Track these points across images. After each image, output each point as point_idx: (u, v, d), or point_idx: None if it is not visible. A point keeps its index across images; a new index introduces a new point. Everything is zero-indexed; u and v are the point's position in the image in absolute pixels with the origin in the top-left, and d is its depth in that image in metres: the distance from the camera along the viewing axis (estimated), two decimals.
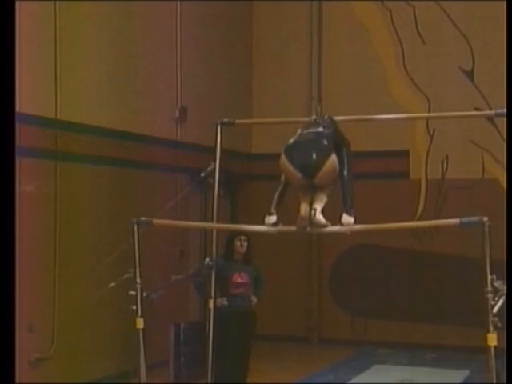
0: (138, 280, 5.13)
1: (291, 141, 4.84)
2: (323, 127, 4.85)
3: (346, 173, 4.71)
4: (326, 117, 5.11)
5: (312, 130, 4.84)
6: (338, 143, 4.80)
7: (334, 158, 4.64)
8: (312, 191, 4.72)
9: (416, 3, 10.72)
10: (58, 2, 7.47)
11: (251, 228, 5.52)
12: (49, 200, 7.37)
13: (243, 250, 7.23)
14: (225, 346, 6.91)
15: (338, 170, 4.68)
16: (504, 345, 4.26)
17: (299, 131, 4.93)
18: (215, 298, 6.21)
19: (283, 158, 4.79)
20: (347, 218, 4.73)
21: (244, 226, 5.60)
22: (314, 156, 4.61)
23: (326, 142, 4.69)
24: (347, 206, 4.73)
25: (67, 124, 7.62)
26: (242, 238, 7.19)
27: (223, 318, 6.80)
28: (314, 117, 5.16)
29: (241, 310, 7.14)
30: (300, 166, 4.66)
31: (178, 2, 9.49)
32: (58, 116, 7.49)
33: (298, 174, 4.67)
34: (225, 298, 7.04)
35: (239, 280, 7.18)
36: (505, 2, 10.21)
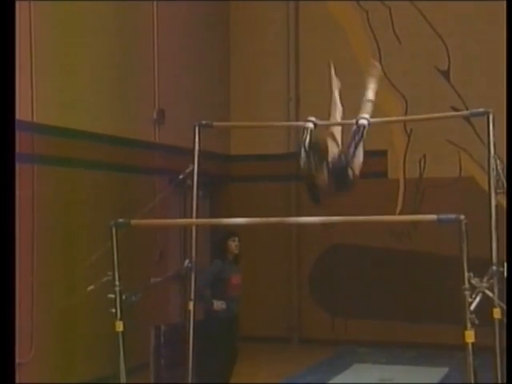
0: (117, 283, 5.12)
1: None
2: None
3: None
4: None
5: None
6: None
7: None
8: None
9: (392, 4, 10.78)
10: (32, 7, 7.42)
11: (231, 221, 5.58)
12: (26, 203, 7.33)
13: (237, 250, 7.24)
14: (218, 349, 6.95)
15: None
16: (481, 342, 4.30)
17: None
18: (195, 300, 6.20)
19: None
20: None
21: (223, 220, 5.63)
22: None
23: None
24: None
25: (43, 127, 7.58)
26: (236, 238, 7.21)
27: (219, 321, 6.87)
28: None
29: (234, 312, 7.16)
30: None
31: (155, 3, 9.47)
32: (35, 119, 7.46)
33: None
34: (223, 302, 7.02)
35: (236, 282, 7.19)
36: (478, 2, 10.32)
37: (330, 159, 4.84)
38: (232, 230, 7.28)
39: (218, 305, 6.93)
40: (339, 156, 4.92)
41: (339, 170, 4.87)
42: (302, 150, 4.71)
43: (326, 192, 4.90)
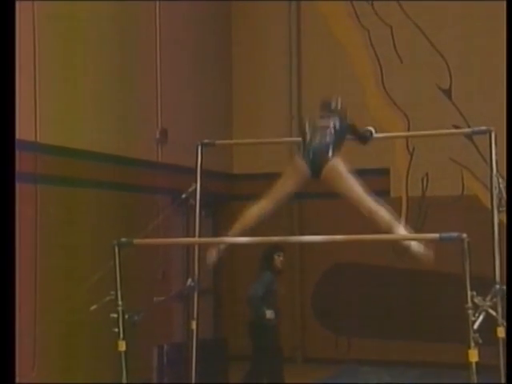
0: (120, 302, 5.11)
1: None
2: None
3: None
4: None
5: (320, 139, 5.41)
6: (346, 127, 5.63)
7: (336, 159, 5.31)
8: None
9: (393, 22, 10.83)
10: (36, 19, 7.46)
11: (233, 240, 5.62)
12: (29, 223, 7.34)
13: (281, 265, 7.66)
14: (272, 352, 7.41)
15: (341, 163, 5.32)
16: (485, 361, 4.28)
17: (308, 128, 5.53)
18: (198, 320, 6.19)
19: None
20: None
21: (225, 238, 5.68)
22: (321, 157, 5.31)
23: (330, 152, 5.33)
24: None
25: (47, 147, 7.60)
26: (281, 253, 7.61)
27: (268, 331, 7.34)
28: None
29: (277, 322, 7.54)
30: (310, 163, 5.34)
31: (158, 20, 9.52)
32: (38, 139, 7.48)
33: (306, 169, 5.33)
34: (273, 311, 7.36)
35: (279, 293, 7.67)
36: (479, 21, 10.37)
37: None
38: (278, 245, 7.59)
39: (269, 314, 7.33)
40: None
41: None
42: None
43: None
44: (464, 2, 10.43)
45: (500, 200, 5.38)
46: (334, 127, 5.44)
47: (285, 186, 5.50)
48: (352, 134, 5.71)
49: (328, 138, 5.36)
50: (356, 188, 5.36)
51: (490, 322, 4.75)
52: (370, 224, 5.22)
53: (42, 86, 7.53)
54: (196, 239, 6.32)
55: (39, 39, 7.49)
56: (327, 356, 10.64)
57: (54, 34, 7.81)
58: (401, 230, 5.29)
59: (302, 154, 5.37)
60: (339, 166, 5.31)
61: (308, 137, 5.42)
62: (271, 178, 12.63)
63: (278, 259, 7.59)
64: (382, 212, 5.40)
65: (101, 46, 8.57)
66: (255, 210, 5.56)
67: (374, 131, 5.77)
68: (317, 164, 5.26)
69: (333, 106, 5.70)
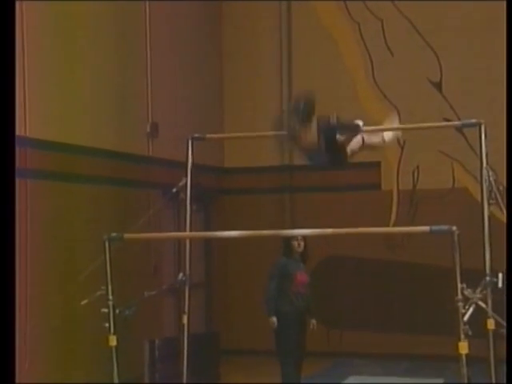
0: (110, 297, 5.11)
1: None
2: None
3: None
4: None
5: None
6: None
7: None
8: None
9: (384, 16, 10.83)
10: (25, 18, 7.44)
11: (224, 234, 5.60)
12: (19, 218, 7.31)
13: (300, 249, 7.66)
14: (288, 346, 7.39)
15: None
16: (475, 352, 4.30)
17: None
18: (189, 314, 6.19)
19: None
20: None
21: (217, 233, 5.68)
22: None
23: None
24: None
25: (37, 142, 7.57)
26: (299, 237, 7.60)
27: (288, 317, 7.34)
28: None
29: (302, 309, 7.54)
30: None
31: (148, 16, 9.49)
32: (28, 134, 7.45)
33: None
34: (275, 322, 7.39)
35: (302, 278, 7.62)
36: (469, 14, 10.38)
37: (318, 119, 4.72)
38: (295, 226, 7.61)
39: (272, 320, 7.41)
40: (328, 118, 4.83)
41: (329, 133, 4.77)
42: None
43: (315, 156, 4.81)
44: None
45: (490, 193, 5.39)
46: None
47: None
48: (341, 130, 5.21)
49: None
50: None
51: (480, 314, 4.77)
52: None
53: (32, 81, 7.50)
54: (187, 233, 6.31)
55: (28, 34, 7.46)
56: (319, 349, 10.63)
57: (44, 30, 7.77)
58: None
59: None
60: None
61: None
62: (262, 171, 12.66)
63: (296, 243, 7.60)
64: None
65: (91, 41, 8.54)
66: None
67: (362, 124, 5.54)
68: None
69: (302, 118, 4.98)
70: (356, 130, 5.27)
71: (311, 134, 4.71)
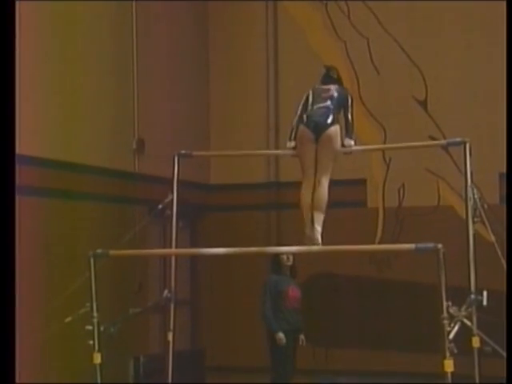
0: (95, 314, 5.08)
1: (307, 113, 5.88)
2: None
3: (349, 113, 5.93)
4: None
5: (322, 104, 5.86)
6: (345, 96, 5.97)
7: (337, 127, 5.78)
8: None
9: (370, 34, 10.90)
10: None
11: (210, 251, 5.62)
12: None
13: (290, 262, 7.62)
14: (283, 363, 7.50)
15: (339, 138, 5.79)
16: (461, 371, 4.30)
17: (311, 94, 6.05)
18: (174, 331, 6.16)
19: (301, 126, 5.85)
20: (349, 141, 5.95)
21: (203, 250, 5.70)
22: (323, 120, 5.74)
23: (331, 117, 5.77)
24: (349, 133, 5.94)
25: (20, 157, 7.53)
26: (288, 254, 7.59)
27: (285, 335, 7.33)
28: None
29: (296, 326, 7.54)
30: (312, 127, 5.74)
31: (134, 30, 9.50)
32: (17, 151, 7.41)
33: (311, 134, 5.72)
34: (283, 337, 7.40)
35: (294, 293, 7.59)
36: (454, 33, 10.47)
37: None
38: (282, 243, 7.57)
39: (279, 336, 7.39)
40: None
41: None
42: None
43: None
44: (440, 14, 10.53)
45: (475, 211, 5.42)
46: (335, 95, 5.85)
47: (306, 156, 5.80)
48: (346, 109, 5.92)
49: (329, 103, 5.77)
50: (329, 170, 5.87)
51: (465, 332, 4.78)
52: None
53: (22, 99, 7.47)
54: (173, 250, 6.30)
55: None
56: (305, 367, 10.59)
57: (25, 42, 7.74)
58: (318, 227, 5.86)
59: (304, 121, 5.77)
60: (333, 141, 5.72)
61: (310, 101, 5.88)
62: (248, 188, 12.65)
63: (285, 257, 7.57)
64: (322, 203, 6.07)
65: (75, 54, 8.53)
66: (304, 193, 5.93)
67: (353, 144, 5.98)
68: (318, 128, 5.68)
69: (332, 73, 6.11)
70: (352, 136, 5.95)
71: None
